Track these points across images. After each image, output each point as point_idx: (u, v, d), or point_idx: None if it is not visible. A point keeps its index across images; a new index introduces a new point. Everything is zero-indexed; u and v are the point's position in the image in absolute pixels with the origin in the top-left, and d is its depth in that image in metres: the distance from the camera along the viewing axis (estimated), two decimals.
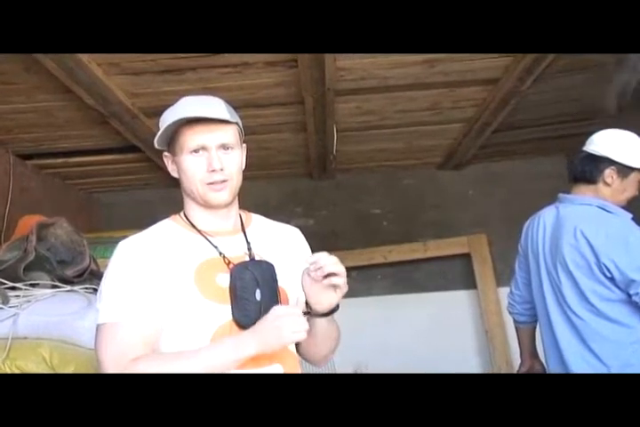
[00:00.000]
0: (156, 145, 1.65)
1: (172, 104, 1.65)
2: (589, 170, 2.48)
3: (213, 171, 1.57)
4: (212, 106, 1.60)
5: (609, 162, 2.45)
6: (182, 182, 1.63)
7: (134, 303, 1.49)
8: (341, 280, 1.53)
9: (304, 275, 1.55)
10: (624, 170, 2.45)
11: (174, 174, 1.65)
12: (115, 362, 1.45)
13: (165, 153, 1.66)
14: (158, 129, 1.63)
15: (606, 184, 2.46)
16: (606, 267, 2.29)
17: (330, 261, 1.52)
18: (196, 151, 1.57)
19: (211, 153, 1.57)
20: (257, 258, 1.63)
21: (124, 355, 1.45)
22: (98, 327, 1.52)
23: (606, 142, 2.48)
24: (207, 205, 1.62)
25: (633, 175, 2.47)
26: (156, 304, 1.50)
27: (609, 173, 2.45)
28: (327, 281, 1.52)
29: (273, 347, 1.47)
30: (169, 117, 1.59)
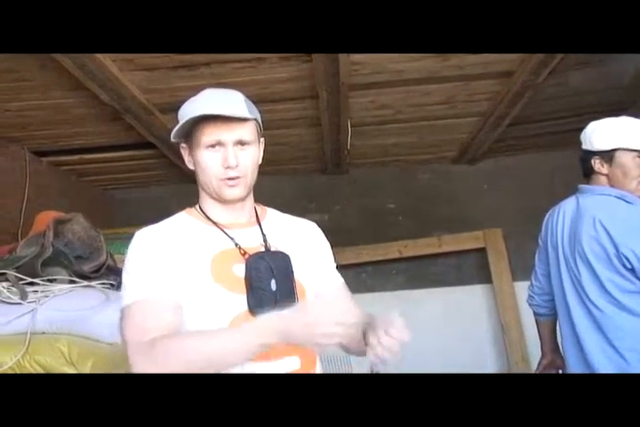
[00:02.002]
0: (173, 138, 1.64)
1: (187, 99, 1.65)
2: (584, 166, 2.56)
3: (228, 167, 1.57)
4: (232, 102, 1.59)
5: (591, 154, 2.52)
6: (198, 176, 1.63)
7: (156, 283, 1.50)
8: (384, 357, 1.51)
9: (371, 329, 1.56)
10: (605, 155, 2.49)
11: (190, 166, 1.65)
12: (139, 337, 1.44)
13: (183, 145, 1.65)
14: (173, 125, 1.63)
15: (601, 174, 2.51)
16: (626, 257, 2.28)
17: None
18: (212, 147, 1.57)
19: (227, 149, 1.57)
20: (272, 249, 1.63)
21: (148, 329, 1.45)
22: (122, 311, 1.53)
23: (584, 137, 2.57)
24: (221, 200, 1.62)
25: (618, 156, 2.48)
26: (176, 288, 1.51)
27: (595, 164, 2.51)
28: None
29: (301, 344, 1.43)
30: (188, 111, 1.58)
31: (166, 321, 1.47)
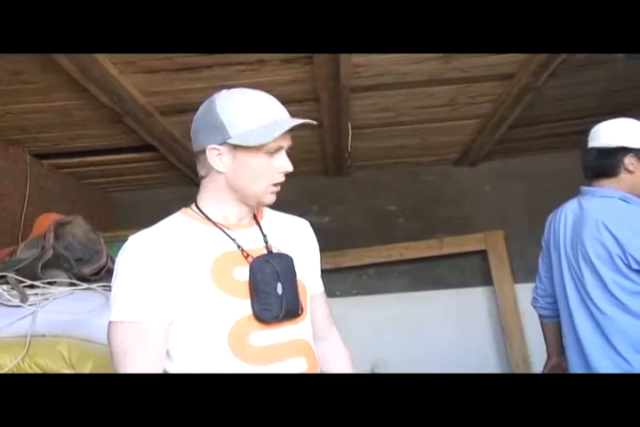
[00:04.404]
0: (236, 141, 1.55)
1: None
2: (610, 163, 2.47)
3: (284, 172, 1.59)
4: (284, 108, 1.61)
5: (625, 150, 2.45)
6: (233, 178, 1.57)
7: (144, 303, 1.48)
8: None
9: None
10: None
11: (221, 168, 1.57)
12: (121, 358, 1.47)
13: (215, 146, 1.56)
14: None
15: (629, 172, 2.45)
16: (634, 258, 2.27)
17: None
18: (272, 153, 1.56)
19: (283, 155, 1.58)
20: (274, 251, 1.62)
21: (129, 353, 1.46)
22: (109, 324, 1.51)
23: (615, 133, 2.49)
24: (258, 204, 1.63)
25: None
26: (169, 303, 1.48)
27: (629, 161, 2.45)
28: None
29: None
30: (257, 118, 1.54)
31: (144, 352, 1.48)
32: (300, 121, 1.55)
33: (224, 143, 1.55)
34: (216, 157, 1.57)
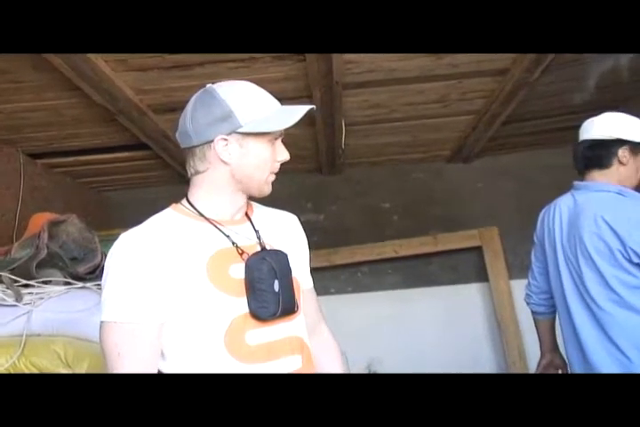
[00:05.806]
0: (244, 127, 1.55)
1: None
2: (604, 155, 2.48)
3: (281, 160, 1.61)
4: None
5: (620, 143, 2.46)
6: (239, 168, 1.57)
7: (136, 303, 1.45)
8: None
9: None
10: (635, 148, 2.47)
11: (227, 159, 1.55)
12: (114, 359, 1.45)
13: (224, 136, 1.54)
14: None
15: (621, 164, 2.47)
16: (634, 251, 2.27)
17: None
18: (275, 139, 1.59)
19: (281, 143, 1.61)
20: (268, 247, 1.61)
21: (122, 355, 1.44)
22: (100, 324, 1.49)
23: (611, 125, 2.50)
24: (257, 195, 1.62)
25: None
26: (162, 302, 1.47)
27: (622, 153, 2.46)
28: None
29: None
30: (260, 109, 1.55)
31: (138, 352, 1.46)
32: (310, 107, 1.58)
33: (231, 133, 1.54)
34: (223, 148, 1.55)
